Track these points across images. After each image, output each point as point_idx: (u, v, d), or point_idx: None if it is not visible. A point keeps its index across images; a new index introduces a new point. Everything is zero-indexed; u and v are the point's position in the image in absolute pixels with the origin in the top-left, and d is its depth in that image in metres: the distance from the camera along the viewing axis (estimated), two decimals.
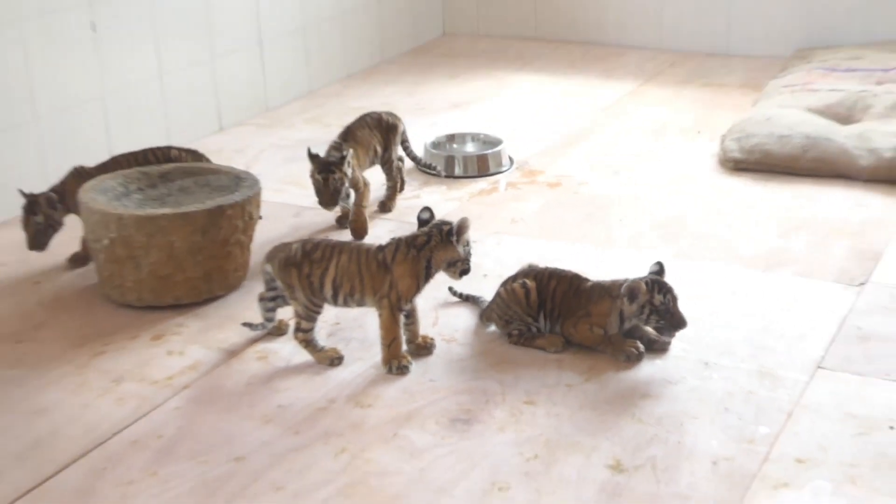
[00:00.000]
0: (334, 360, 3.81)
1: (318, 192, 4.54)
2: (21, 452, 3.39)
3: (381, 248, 3.76)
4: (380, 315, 3.75)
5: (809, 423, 3.36)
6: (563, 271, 3.93)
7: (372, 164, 4.98)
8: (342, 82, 7.05)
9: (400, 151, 5.14)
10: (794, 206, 4.92)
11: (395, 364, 3.74)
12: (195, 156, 4.82)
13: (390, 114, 5.09)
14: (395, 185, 5.09)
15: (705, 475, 3.14)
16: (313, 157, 4.55)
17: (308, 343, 3.82)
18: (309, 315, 3.79)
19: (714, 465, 3.18)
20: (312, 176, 4.55)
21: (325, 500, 3.11)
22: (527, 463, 3.23)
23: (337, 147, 4.76)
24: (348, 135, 4.88)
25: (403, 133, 5.13)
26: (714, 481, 3.12)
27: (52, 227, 4.40)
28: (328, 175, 4.49)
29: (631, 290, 3.68)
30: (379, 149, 4.96)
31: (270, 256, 3.84)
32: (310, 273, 3.74)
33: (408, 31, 7.70)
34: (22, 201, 4.39)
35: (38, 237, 4.36)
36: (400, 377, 3.72)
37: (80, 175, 4.50)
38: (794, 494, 3.05)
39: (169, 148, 4.78)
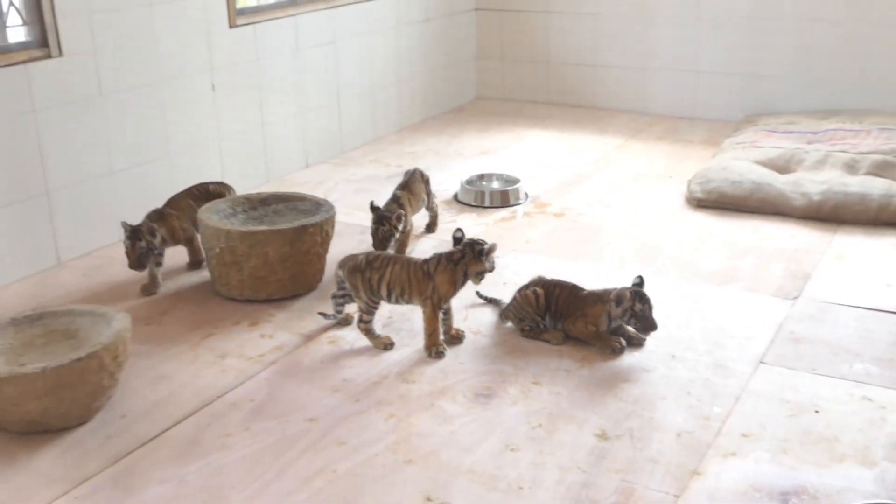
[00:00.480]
0: (387, 345, 3.76)
1: (372, 237, 4.34)
2: (146, 409, 3.37)
3: (425, 261, 3.72)
4: (424, 312, 3.70)
5: (752, 406, 3.29)
6: (564, 282, 3.87)
7: (418, 211, 4.81)
8: (398, 133, 7.00)
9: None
10: (743, 236, 4.83)
11: (433, 350, 3.69)
12: (225, 186, 4.68)
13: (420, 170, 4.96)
14: (435, 216, 4.99)
15: (671, 444, 3.08)
16: (373, 209, 4.36)
17: (368, 331, 3.77)
18: (369, 310, 3.75)
19: (678, 437, 3.12)
20: (371, 223, 4.36)
21: (377, 453, 3.07)
22: (533, 430, 3.18)
23: (396, 201, 4.53)
24: (405, 187, 4.69)
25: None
26: (678, 449, 3.05)
27: (151, 251, 4.25)
28: (379, 226, 4.30)
29: (618, 296, 3.62)
30: (425, 197, 4.85)
31: (342, 263, 3.81)
32: (370, 277, 3.70)
33: (448, 95, 7.65)
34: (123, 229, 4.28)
35: (141, 259, 4.21)
36: (437, 360, 3.67)
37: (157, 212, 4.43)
38: (740, 461, 2.99)
39: (206, 183, 4.65)
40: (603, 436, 3.13)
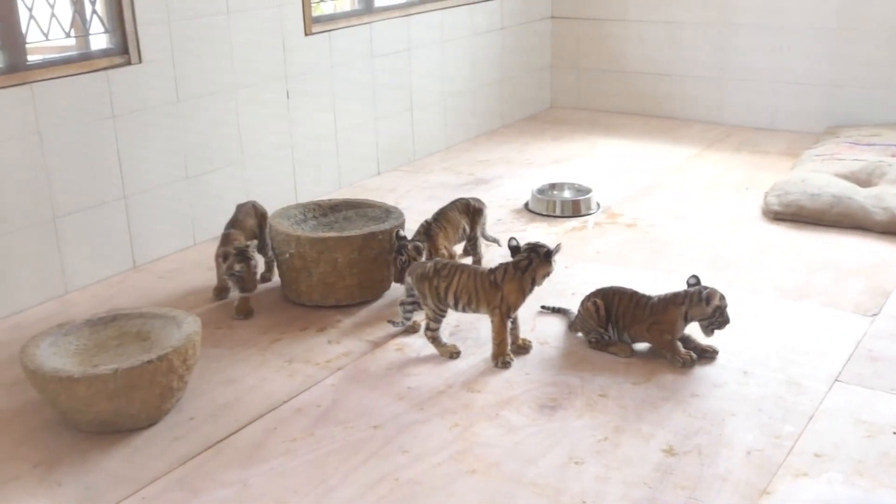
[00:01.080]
0: (454, 353, 3.75)
1: (392, 266, 4.16)
2: (214, 412, 3.40)
3: (492, 270, 3.70)
4: (492, 321, 3.68)
5: (827, 425, 3.19)
6: (624, 289, 3.81)
7: (459, 241, 4.54)
8: (471, 140, 6.99)
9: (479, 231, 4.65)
10: (821, 250, 4.70)
11: (501, 360, 3.67)
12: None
13: (477, 200, 4.65)
14: (478, 259, 4.61)
15: (740, 462, 3.00)
16: (398, 238, 4.14)
17: (434, 339, 3.76)
18: (436, 318, 3.74)
19: (748, 455, 3.04)
20: (392, 252, 4.14)
21: (440, 462, 3.06)
22: (598, 443, 3.13)
23: (425, 231, 4.32)
24: (441, 216, 4.45)
25: (485, 216, 4.66)
26: (747, 467, 2.98)
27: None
28: (398, 255, 4.08)
29: (709, 295, 3.56)
30: (466, 229, 4.54)
31: (410, 271, 3.81)
32: (438, 285, 3.69)
33: (523, 103, 7.62)
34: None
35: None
36: (504, 370, 3.64)
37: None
38: (812, 482, 2.90)
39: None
40: (670, 451, 3.06)
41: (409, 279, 3.81)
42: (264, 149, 5.32)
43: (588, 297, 3.84)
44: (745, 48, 6.98)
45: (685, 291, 3.66)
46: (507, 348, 3.70)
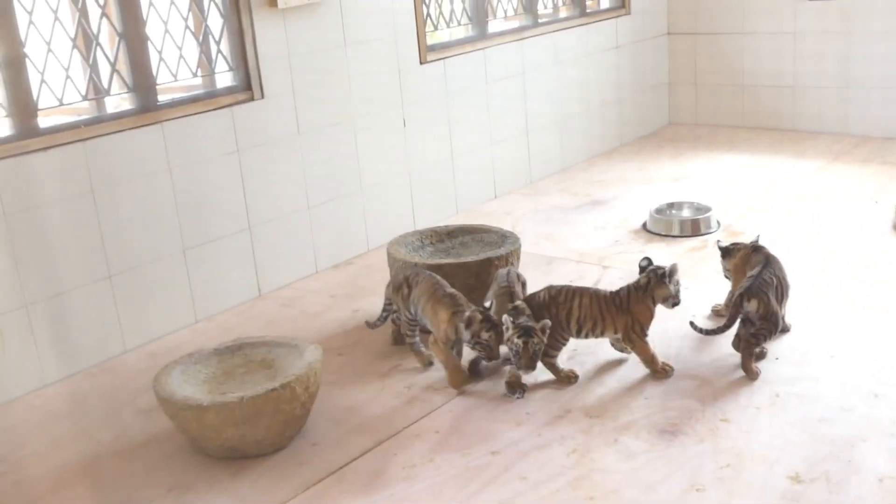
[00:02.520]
0: (572, 379, 3.72)
1: (521, 354, 3.53)
2: (336, 438, 3.47)
3: (616, 293, 3.68)
4: (633, 346, 3.70)
5: None
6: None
7: None
8: (588, 161, 6.96)
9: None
10: None
11: (661, 374, 3.68)
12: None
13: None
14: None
15: (871, 490, 2.89)
16: (514, 311, 3.60)
17: (552, 366, 3.75)
18: (555, 344, 3.72)
19: (880, 482, 2.92)
20: (514, 337, 3.52)
21: (557, 489, 3.04)
22: (720, 470, 3.06)
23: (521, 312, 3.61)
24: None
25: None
26: (879, 495, 2.86)
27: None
28: (528, 339, 3.49)
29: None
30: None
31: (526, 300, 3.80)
32: (557, 312, 3.67)
33: (640, 121, 7.55)
34: None
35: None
36: (670, 376, 3.68)
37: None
38: None
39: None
40: (796, 478, 2.97)
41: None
42: (382, 177, 5.42)
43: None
44: (868, 56, 6.74)
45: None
46: (658, 360, 3.70)
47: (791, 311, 4.13)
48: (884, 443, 3.12)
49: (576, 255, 5.04)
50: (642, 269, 3.72)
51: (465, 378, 3.73)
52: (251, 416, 3.25)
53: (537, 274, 4.71)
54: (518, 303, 3.65)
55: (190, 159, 4.45)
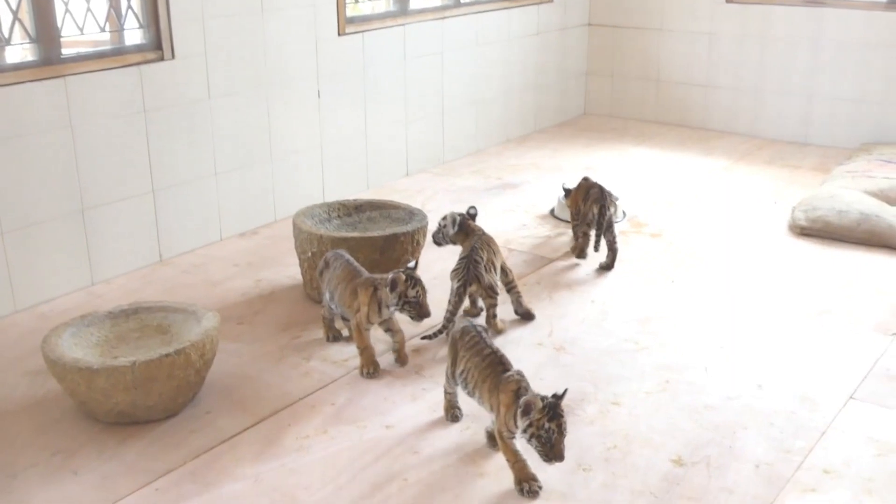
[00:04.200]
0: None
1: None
2: (230, 407, 3.47)
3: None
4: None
5: (838, 442, 3.20)
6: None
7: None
8: (502, 145, 7.04)
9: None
10: (846, 268, 4.69)
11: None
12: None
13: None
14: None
15: (748, 475, 3.02)
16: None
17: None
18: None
19: (756, 468, 3.06)
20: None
21: (449, 464, 3.11)
22: (607, 451, 3.17)
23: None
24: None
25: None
26: (755, 481, 2.99)
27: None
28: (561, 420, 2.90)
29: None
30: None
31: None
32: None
33: (557, 109, 7.66)
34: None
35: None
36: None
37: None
38: (820, 498, 2.91)
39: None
40: (679, 461, 3.09)
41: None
42: (293, 147, 5.40)
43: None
44: (780, 61, 6.96)
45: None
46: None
47: (687, 302, 4.28)
48: (763, 431, 3.26)
49: None
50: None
51: (376, 369, 3.71)
52: (143, 382, 3.23)
53: (442, 252, 4.75)
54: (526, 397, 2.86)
55: (93, 117, 4.37)
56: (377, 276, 3.73)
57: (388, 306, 3.64)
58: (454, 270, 3.98)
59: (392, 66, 5.96)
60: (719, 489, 2.95)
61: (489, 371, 3.02)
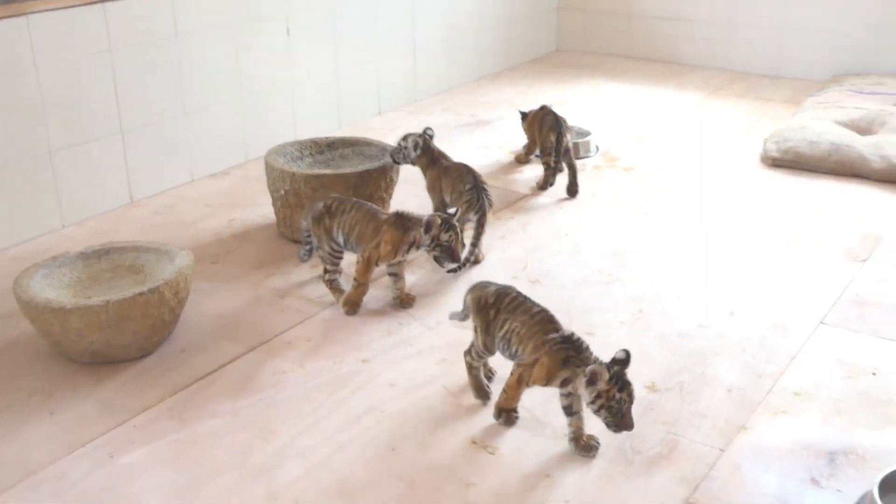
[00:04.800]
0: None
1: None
2: (205, 345, 3.47)
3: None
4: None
5: (808, 366, 3.25)
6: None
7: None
8: (475, 82, 6.99)
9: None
10: (817, 197, 4.73)
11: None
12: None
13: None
14: None
15: (721, 399, 3.07)
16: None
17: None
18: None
19: (728, 392, 3.10)
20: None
21: (426, 396, 3.14)
22: None
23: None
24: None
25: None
26: (727, 404, 3.04)
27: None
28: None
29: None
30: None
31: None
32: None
33: (528, 45, 7.60)
34: None
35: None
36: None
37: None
38: (790, 420, 2.96)
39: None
40: (652, 388, 3.13)
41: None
42: (264, 86, 5.34)
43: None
44: None
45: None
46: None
47: (659, 234, 4.31)
48: (735, 357, 3.31)
49: None
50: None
51: (355, 309, 3.68)
52: (117, 321, 3.22)
53: (417, 190, 4.74)
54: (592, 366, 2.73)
55: (58, 56, 4.29)
56: (408, 214, 3.64)
57: (417, 247, 3.60)
58: (465, 202, 4.00)
59: (362, 3, 5.88)
60: (692, 413, 2.99)
61: (537, 328, 2.84)
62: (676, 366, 3.26)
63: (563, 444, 2.87)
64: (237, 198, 4.80)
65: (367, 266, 3.63)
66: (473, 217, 3.99)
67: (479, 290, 3.03)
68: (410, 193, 4.62)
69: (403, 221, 3.61)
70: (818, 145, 5.06)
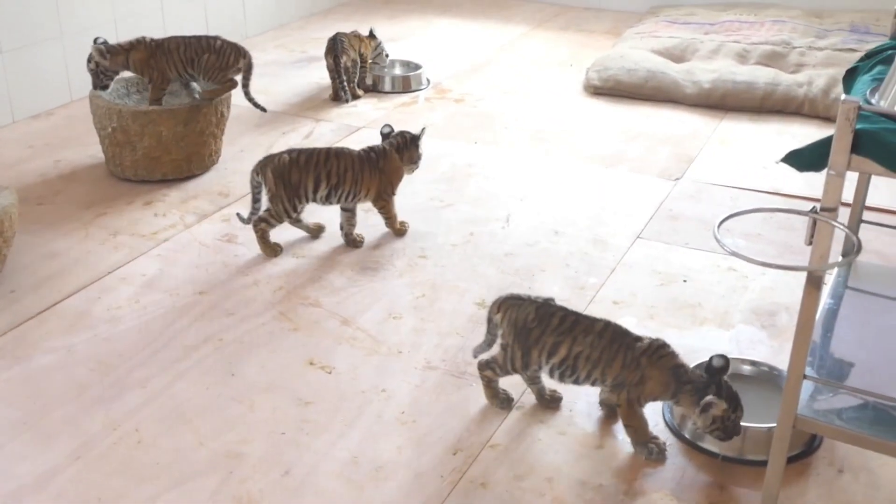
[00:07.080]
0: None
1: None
2: (35, 285, 3.38)
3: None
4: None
5: (626, 277, 3.44)
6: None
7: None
8: (305, 19, 6.92)
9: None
10: (635, 122, 4.95)
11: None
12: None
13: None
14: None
15: None
16: None
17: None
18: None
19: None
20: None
21: (263, 323, 3.16)
22: (416, 300, 3.29)
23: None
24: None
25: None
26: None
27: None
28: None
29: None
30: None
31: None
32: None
33: None
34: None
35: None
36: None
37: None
38: None
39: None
40: (482, 304, 3.24)
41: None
42: (84, 24, 5.13)
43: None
44: None
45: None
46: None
47: (489, 161, 4.43)
48: (560, 272, 3.47)
49: (292, 109, 5.08)
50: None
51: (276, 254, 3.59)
52: None
53: (249, 127, 4.72)
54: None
55: None
56: (393, 137, 3.67)
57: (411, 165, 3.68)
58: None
59: None
60: None
61: (617, 346, 2.52)
62: (505, 283, 3.38)
63: (397, 360, 2.96)
64: (63, 138, 4.64)
65: (387, 202, 3.67)
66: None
67: (513, 309, 2.63)
68: (244, 129, 4.57)
69: (397, 145, 3.65)
70: (636, 73, 5.28)
